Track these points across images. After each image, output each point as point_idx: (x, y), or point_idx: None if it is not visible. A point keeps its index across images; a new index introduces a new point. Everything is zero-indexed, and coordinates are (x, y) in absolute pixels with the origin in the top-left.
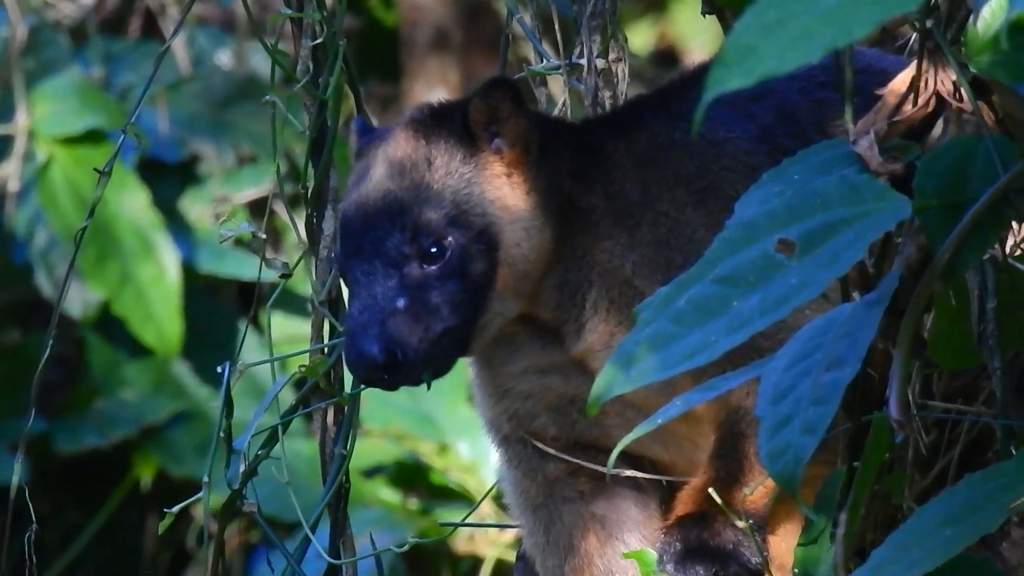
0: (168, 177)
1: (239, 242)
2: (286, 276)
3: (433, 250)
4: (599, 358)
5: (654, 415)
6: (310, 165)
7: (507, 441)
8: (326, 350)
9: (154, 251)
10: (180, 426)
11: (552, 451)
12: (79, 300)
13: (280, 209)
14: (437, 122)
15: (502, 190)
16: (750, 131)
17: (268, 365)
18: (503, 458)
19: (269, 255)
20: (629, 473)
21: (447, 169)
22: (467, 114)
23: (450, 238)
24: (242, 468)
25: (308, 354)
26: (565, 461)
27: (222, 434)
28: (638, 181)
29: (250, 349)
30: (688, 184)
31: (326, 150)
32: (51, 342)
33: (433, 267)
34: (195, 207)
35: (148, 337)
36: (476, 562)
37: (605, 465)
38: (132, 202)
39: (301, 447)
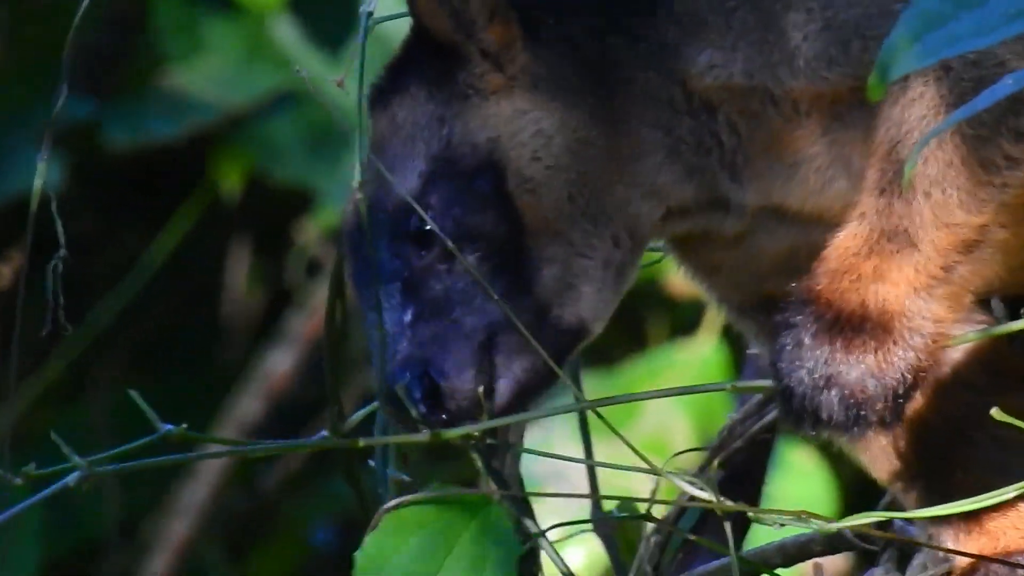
0: None
1: None
2: None
3: (421, 228)
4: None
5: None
6: None
7: (742, 314)
8: None
9: None
10: (282, 111)
11: None
12: None
13: None
14: (406, 61)
15: (496, 104)
16: None
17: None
18: (748, 336)
19: None
20: None
21: (413, 116)
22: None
23: (432, 200)
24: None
25: None
26: None
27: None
28: None
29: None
30: None
31: None
32: None
33: (429, 250)
34: None
35: None
36: None
37: None
38: None
39: None
